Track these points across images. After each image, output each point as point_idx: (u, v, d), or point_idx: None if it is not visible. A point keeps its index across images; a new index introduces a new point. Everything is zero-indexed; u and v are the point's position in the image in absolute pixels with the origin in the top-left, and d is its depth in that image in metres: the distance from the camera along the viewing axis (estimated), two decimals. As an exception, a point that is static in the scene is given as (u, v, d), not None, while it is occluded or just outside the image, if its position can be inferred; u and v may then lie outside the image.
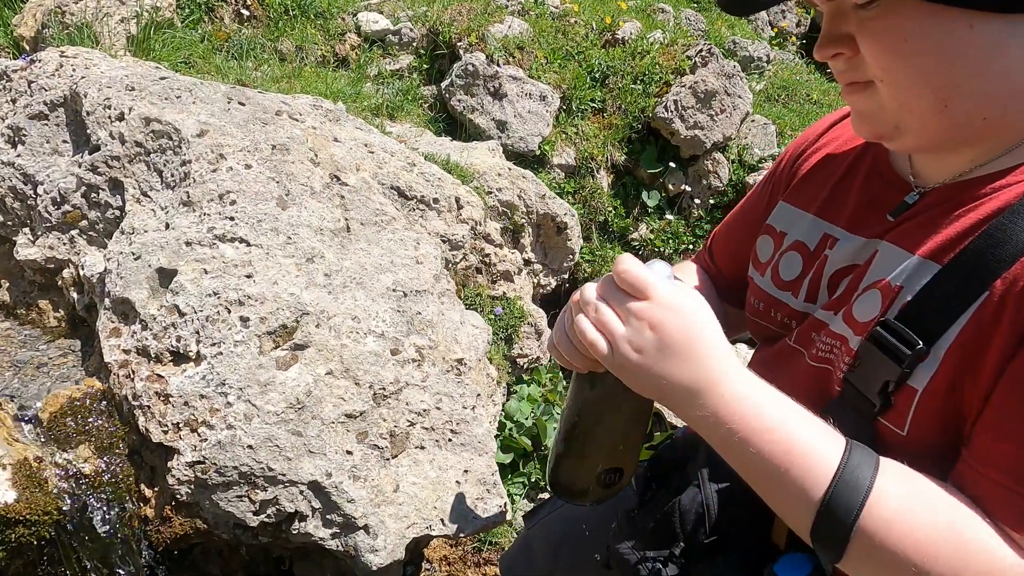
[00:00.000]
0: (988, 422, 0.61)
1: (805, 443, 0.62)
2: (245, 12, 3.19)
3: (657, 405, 0.87)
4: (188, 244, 1.49)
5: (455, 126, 3.28)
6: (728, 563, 0.79)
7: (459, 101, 3.23)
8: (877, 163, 0.80)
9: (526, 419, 2.38)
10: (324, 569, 1.58)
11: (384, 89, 3.18)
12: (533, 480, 2.40)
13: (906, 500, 0.60)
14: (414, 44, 3.52)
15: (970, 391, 0.61)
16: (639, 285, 0.66)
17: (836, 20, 0.65)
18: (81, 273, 1.65)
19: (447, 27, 3.43)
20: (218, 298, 1.43)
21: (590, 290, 0.70)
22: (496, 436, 2.39)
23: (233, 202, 1.54)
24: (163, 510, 1.39)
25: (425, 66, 3.48)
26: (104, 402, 1.46)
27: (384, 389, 1.54)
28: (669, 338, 0.64)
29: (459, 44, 3.38)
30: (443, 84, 3.31)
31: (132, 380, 1.41)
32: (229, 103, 1.72)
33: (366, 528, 1.46)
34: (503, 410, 2.38)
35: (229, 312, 1.43)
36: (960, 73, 0.60)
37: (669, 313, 0.65)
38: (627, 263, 0.68)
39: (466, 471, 1.64)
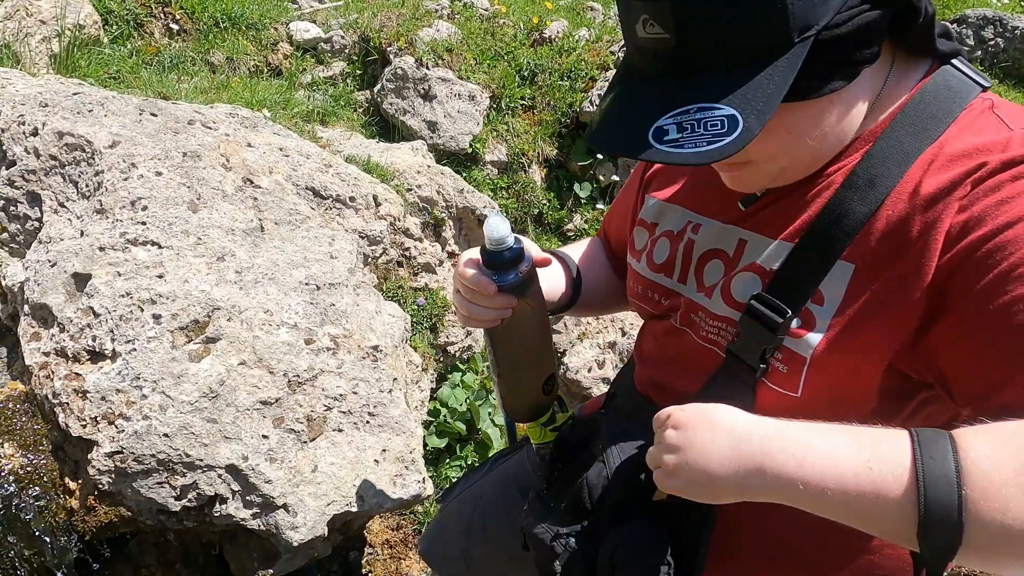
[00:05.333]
0: (979, 374, 0.63)
1: (872, 461, 0.59)
2: (175, 26, 3.24)
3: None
4: (101, 249, 1.57)
5: (388, 129, 3.37)
6: (633, 530, 0.84)
7: (391, 104, 3.32)
8: None
9: (460, 405, 2.48)
10: (251, 550, 1.66)
11: (316, 96, 3.26)
12: (470, 463, 2.51)
13: (997, 448, 0.56)
14: (346, 51, 3.61)
15: (869, 354, 0.70)
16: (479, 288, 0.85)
17: None
18: (3, 283, 1.72)
19: (377, 33, 3.53)
20: (131, 298, 1.52)
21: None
22: (431, 422, 2.50)
23: (145, 207, 1.63)
24: (87, 500, 1.47)
25: (358, 72, 3.57)
26: (27, 403, 1.54)
27: (298, 376, 1.63)
28: (703, 451, 0.67)
29: (389, 49, 3.48)
30: (375, 89, 3.40)
31: (51, 380, 1.49)
32: (141, 115, 1.81)
33: (285, 507, 1.55)
34: (436, 397, 2.49)
35: (142, 311, 1.51)
36: (828, 133, 0.71)
37: (691, 432, 0.68)
38: (465, 268, 0.87)
39: (384, 450, 1.74)
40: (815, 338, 0.72)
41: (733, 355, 0.79)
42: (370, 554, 2.34)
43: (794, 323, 0.74)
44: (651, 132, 0.63)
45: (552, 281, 1.07)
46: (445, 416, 2.47)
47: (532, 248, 0.96)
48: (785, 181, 0.77)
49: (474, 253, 0.92)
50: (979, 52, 5.71)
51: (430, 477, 2.47)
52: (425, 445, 2.44)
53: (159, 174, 1.67)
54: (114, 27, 3.03)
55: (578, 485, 0.89)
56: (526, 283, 0.91)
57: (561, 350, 2.93)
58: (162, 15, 3.25)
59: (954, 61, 0.74)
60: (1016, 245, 0.61)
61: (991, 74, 5.60)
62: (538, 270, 0.96)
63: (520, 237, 0.93)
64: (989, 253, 0.62)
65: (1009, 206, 0.62)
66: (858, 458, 0.59)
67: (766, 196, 0.81)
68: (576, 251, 1.18)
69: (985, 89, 0.72)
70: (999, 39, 5.68)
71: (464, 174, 3.34)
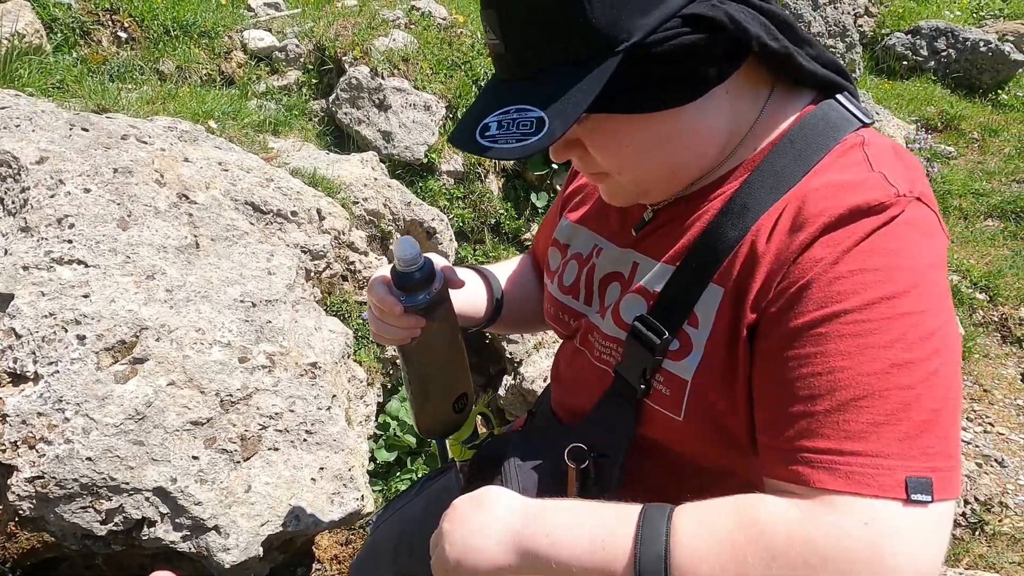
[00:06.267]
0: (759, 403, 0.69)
1: (606, 541, 0.64)
2: (123, 35, 3.19)
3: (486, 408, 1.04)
4: (25, 268, 1.54)
5: (343, 139, 3.35)
6: None
7: (345, 114, 3.31)
8: None
9: (409, 418, 2.47)
10: (183, 573, 1.64)
11: (269, 105, 3.23)
12: (420, 476, 2.50)
13: (698, 528, 0.62)
14: (301, 60, 3.58)
15: (735, 380, 0.72)
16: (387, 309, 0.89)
17: None
18: (-75, 303, 1.67)
19: (332, 42, 3.50)
20: (54, 319, 1.48)
21: None
22: (380, 436, 2.48)
23: (72, 225, 1.59)
24: (7, 527, 1.44)
25: (314, 81, 3.54)
26: (-54, 427, 1.49)
27: (231, 396, 1.61)
28: (459, 548, 0.72)
29: (344, 58, 3.46)
30: (330, 98, 3.38)
31: (-30, 403, 1.45)
32: (71, 129, 1.77)
33: (217, 528, 1.53)
34: (386, 411, 2.47)
35: (66, 331, 1.48)
36: (674, 151, 0.73)
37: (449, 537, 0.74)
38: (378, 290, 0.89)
39: (322, 468, 1.72)
40: (693, 360, 0.74)
41: (619, 376, 0.81)
42: (318, 570, 2.31)
43: (673, 345, 0.75)
44: (479, 128, 0.68)
45: (472, 297, 1.09)
46: (395, 429, 2.45)
47: (462, 271, 0.98)
48: (653, 198, 0.80)
49: (387, 271, 0.93)
50: (932, 62, 5.86)
51: (379, 491, 2.46)
52: (374, 459, 2.42)
53: (87, 191, 1.64)
54: (58, 35, 2.97)
55: None
56: (435, 304, 0.92)
57: (517, 360, 2.93)
58: (110, 23, 3.20)
59: (838, 96, 0.75)
60: (819, 304, 0.63)
61: (943, 84, 5.75)
62: (459, 288, 0.97)
63: (434, 258, 0.94)
64: (796, 302, 0.64)
65: (833, 261, 0.63)
66: (596, 538, 0.64)
67: (655, 220, 0.83)
68: (505, 268, 1.19)
69: (866, 125, 0.74)
70: (951, 50, 5.85)
71: (420, 184, 3.33)
